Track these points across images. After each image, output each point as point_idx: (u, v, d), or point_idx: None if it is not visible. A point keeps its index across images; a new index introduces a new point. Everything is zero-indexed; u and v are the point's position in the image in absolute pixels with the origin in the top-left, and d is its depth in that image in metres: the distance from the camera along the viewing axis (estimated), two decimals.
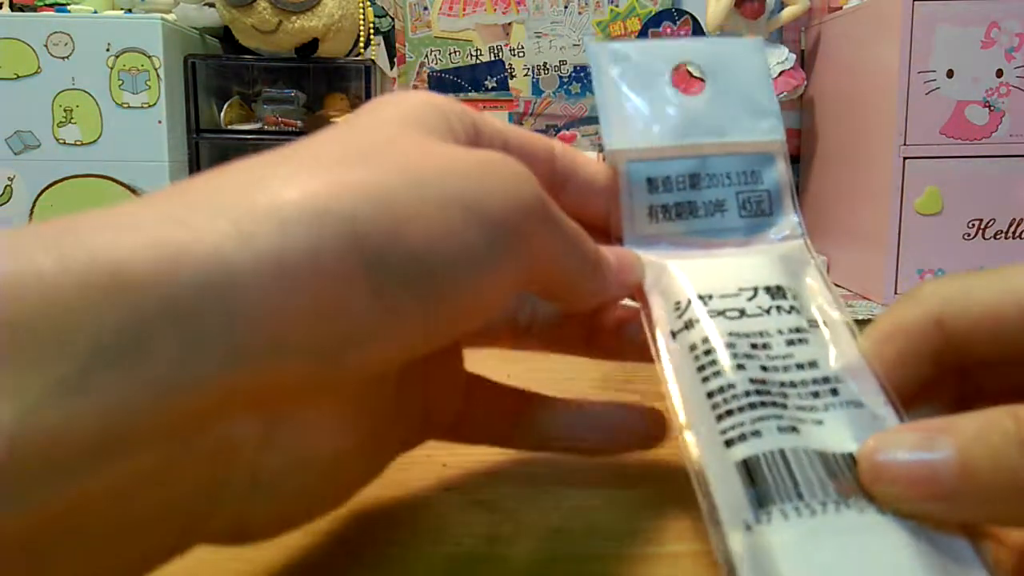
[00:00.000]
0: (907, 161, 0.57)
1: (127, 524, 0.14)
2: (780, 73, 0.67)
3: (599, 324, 0.25)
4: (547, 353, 0.26)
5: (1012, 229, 0.58)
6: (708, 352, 0.19)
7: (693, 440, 0.17)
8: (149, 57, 0.62)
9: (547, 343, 0.25)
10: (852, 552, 0.14)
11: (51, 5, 0.66)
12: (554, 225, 0.18)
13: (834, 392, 0.18)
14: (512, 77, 0.79)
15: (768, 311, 0.20)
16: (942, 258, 0.58)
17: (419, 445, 0.23)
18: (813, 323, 0.20)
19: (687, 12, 0.78)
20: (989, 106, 0.57)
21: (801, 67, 0.69)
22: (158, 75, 0.62)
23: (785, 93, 0.67)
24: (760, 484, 0.16)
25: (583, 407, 0.23)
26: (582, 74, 0.79)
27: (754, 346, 0.19)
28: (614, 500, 0.27)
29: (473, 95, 0.78)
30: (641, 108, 0.21)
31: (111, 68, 0.62)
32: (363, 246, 0.15)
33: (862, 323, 0.44)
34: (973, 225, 0.58)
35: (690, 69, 0.22)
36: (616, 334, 0.24)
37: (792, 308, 0.21)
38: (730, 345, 0.19)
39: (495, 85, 0.79)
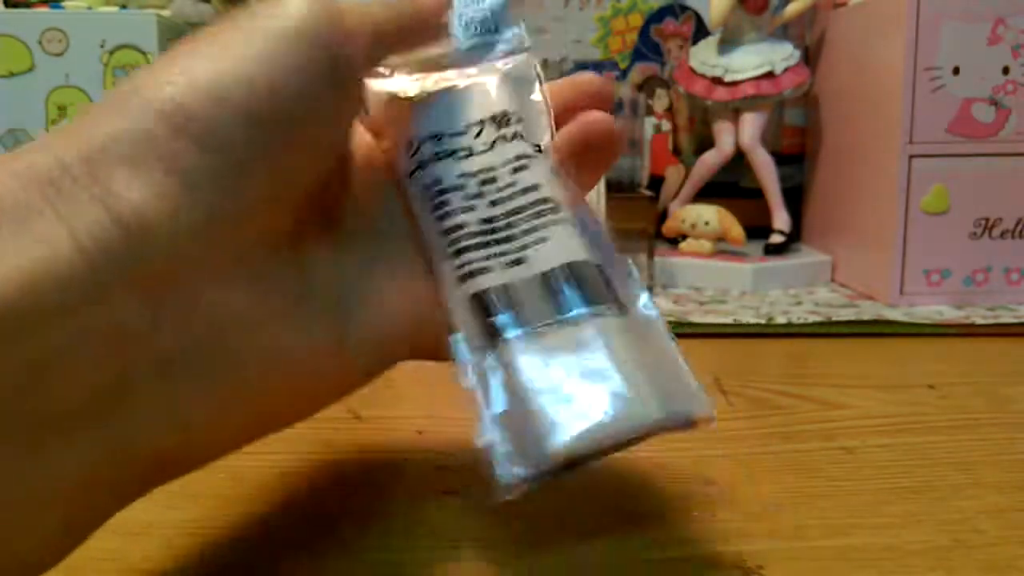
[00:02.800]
0: (913, 159, 0.56)
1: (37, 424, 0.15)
2: (785, 70, 0.66)
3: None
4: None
5: (1019, 228, 0.57)
6: (441, 192, 0.22)
7: (437, 277, 0.20)
8: (144, 53, 0.61)
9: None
10: (571, 359, 0.18)
11: (45, 1, 0.65)
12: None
13: (554, 210, 0.20)
14: None
15: (494, 144, 0.22)
16: (948, 257, 0.57)
17: (386, 370, 0.23)
18: (536, 147, 0.22)
19: (690, 7, 0.77)
20: (996, 104, 0.56)
21: (806, 63, 0.69)
22: None
23: (790, 90, 0.66)
24: (491, 315, 0.18)
25: None
26: (583, 70, 0.78)
27: (483, 183, 0.21)
28: (613, 505, 0.27)
29: None
30: None
31: (105, 65, 0.61)
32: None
33: (866, 323, 0.43)
34: (980, 224, 0.57)
35: None
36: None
37: (515, 135, 0.23)
38: (459, 187, 0.22)
39: None
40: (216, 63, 0.17)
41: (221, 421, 0.18)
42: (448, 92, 0.22)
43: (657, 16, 0.77)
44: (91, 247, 0.15)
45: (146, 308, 0.16)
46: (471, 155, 0.21)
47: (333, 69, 0.18)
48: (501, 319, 0.18)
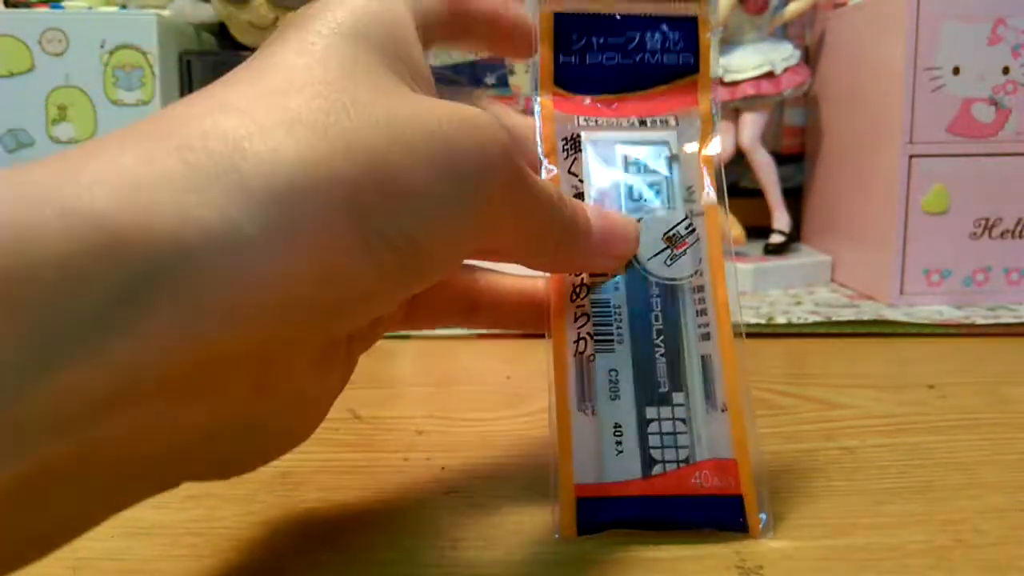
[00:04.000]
0: (913, 159, 0.56)
1: (126, 469, 0.14)
2: (785, 70, 0.66)
3: (478, 299, 0.27)
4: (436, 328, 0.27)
5: (1019, 228, 0.57)
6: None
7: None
8: (144, 53, 0.61)
9: (431, 318, 0.27)
10: None
11: (45, 1, 0.65)
12: (522, 183, 0.19)
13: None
14: (512, 74, 0.79)
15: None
16: (948, 257, 0.57)
17: (371, 346, 0.24)
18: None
19: None
20: (996, 104, 0.56)
21: (806, 63, 0.69)
22: (153, 72, 0.62)
23: (790, 90, 0.66)
24: None
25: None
26: None
27: None
28: None
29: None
30: None
31: (105, 65, 0.61)
32: (358, 211, 0.15)
33: (867, 323, 0.43)
34: (980, 224, 0.57)
35: None
36: (498, 306, 0.26)
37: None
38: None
39: (495, 82, 0.78)
40: None
41: (248, 466, 0.19)
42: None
43: None
44: None
45: (255, 377, 0.16)
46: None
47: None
48: None
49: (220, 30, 0.67)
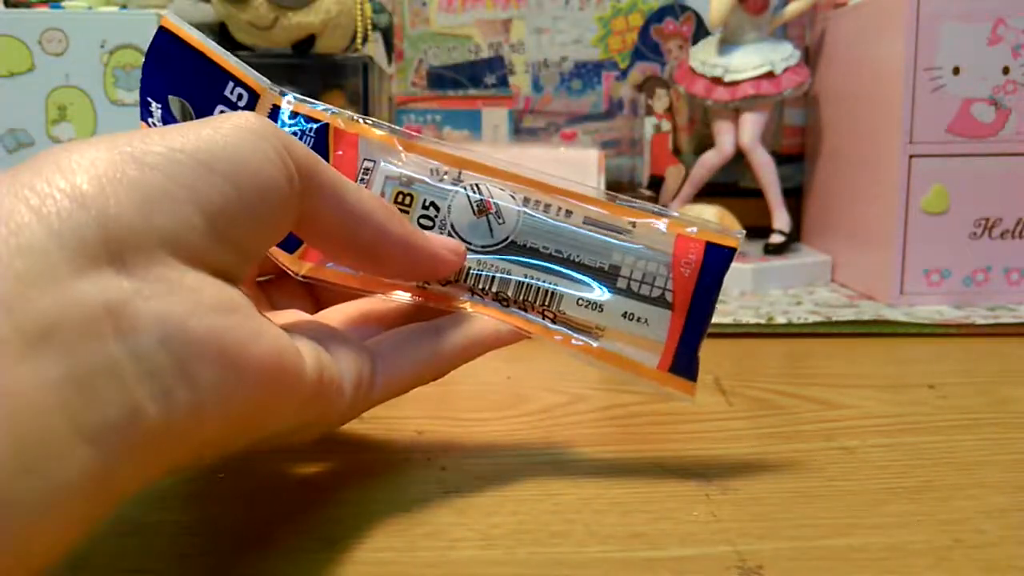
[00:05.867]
0: (913, 159, 0.56)
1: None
2: (785, 70, 0.66)
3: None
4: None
5: (1019, 228, 0.57)
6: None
7: None
8: (144, 53, 0.61)
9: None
10: None
11: (45, 1, 0.65)
12: (320, 190, 0.22)
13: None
14: (512, 74, 0.79)
15: None
16: (948, 257, 0.57)
17: None
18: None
19: (690, 8, 0.77)
20: (996, 104, 0.56)
21: (806, 63, 0.69)
22: None
23: (790, 90, 0.66)
24: None
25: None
26: (583, 71, 0.78)
27: None
28: (615, 504, 0.26)
29: (472, 92, 0.77)
30: None
31: (105, 65, 0.61)
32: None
33: (867, 323, 0.43)
34: (980, 224, 0.57)
35: None
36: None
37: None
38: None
39: (495, 82, 0.78)
40: None
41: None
42: None
43: (657, 16, 0.77)
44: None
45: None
46: None
47: None
48: None
49: (220, 30, 0.67)
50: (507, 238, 0.27)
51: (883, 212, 0.58)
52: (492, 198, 0.27)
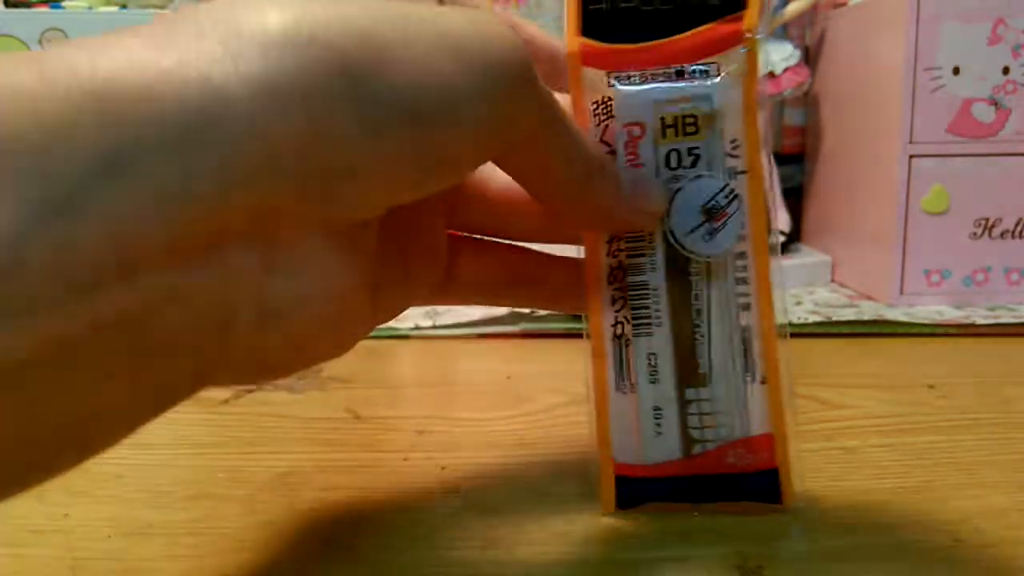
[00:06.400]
0: (913, 159, 0.56)
1: (140, 353, 0.14)
2: (785, 70, 0.66)
3: (525, 272, 0.26)
4: (472, 305, 0.26)
5: (1019, 228, 0.57)
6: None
7: None
8: None
9: (468, 294, 0.26)
10: None
11: (45, 1, 0.65)
12: (543, 101, 0.19)
13: None
14: None
15: None
16: (948, 257, 0.57)
17: (402, 312, 0.23)
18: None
19: None
20: (996, 103, 0.56)
21: (806, 63, 0.69)
22: None
23: (790, 90, 0.66)
24: None
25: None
26: None
27: None
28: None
29: None
30: None
31: None
32: (350, 75, 0.15)
33: (867, 323, 0.43)
34: (980, 224, 0.57)
35: None
36: (544, 282, 0.25)
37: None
38: None
39: None
40: None
41: (287, 364, 0.19)
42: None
43: None
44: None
45: (262, 253, 0.16)
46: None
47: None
48: None
49: None
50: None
51: (883, 212, 0.58)
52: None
